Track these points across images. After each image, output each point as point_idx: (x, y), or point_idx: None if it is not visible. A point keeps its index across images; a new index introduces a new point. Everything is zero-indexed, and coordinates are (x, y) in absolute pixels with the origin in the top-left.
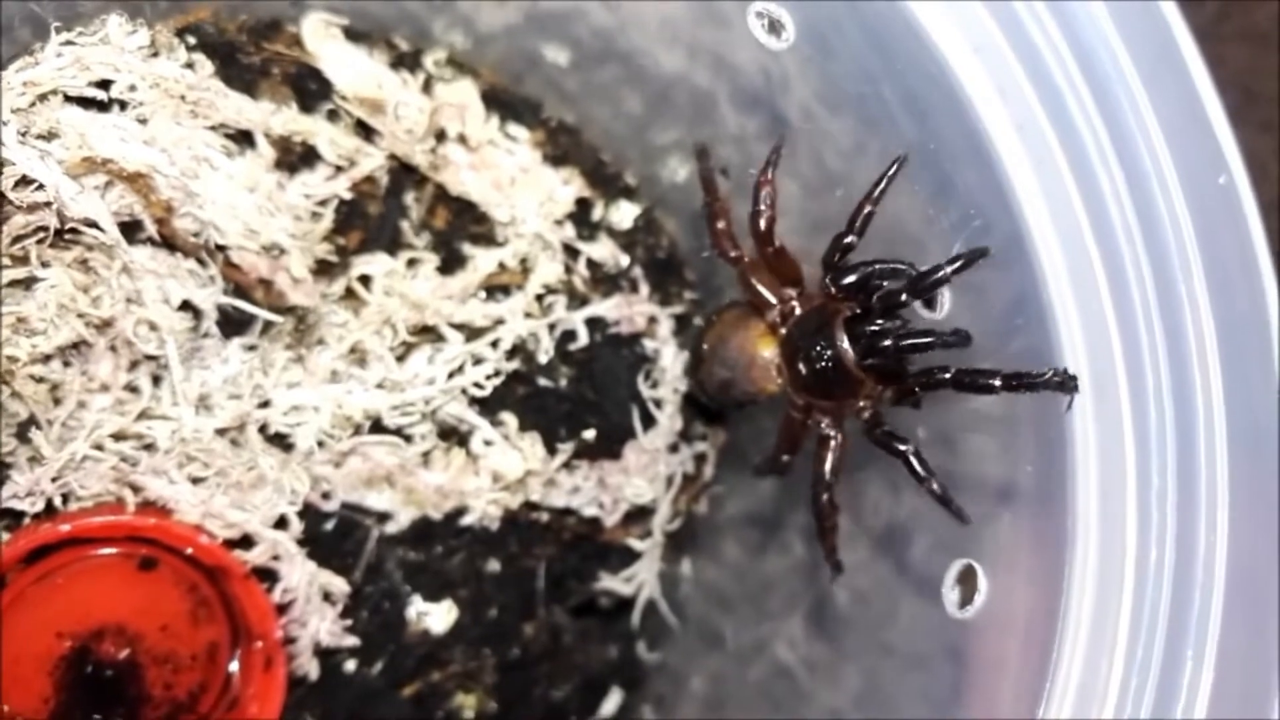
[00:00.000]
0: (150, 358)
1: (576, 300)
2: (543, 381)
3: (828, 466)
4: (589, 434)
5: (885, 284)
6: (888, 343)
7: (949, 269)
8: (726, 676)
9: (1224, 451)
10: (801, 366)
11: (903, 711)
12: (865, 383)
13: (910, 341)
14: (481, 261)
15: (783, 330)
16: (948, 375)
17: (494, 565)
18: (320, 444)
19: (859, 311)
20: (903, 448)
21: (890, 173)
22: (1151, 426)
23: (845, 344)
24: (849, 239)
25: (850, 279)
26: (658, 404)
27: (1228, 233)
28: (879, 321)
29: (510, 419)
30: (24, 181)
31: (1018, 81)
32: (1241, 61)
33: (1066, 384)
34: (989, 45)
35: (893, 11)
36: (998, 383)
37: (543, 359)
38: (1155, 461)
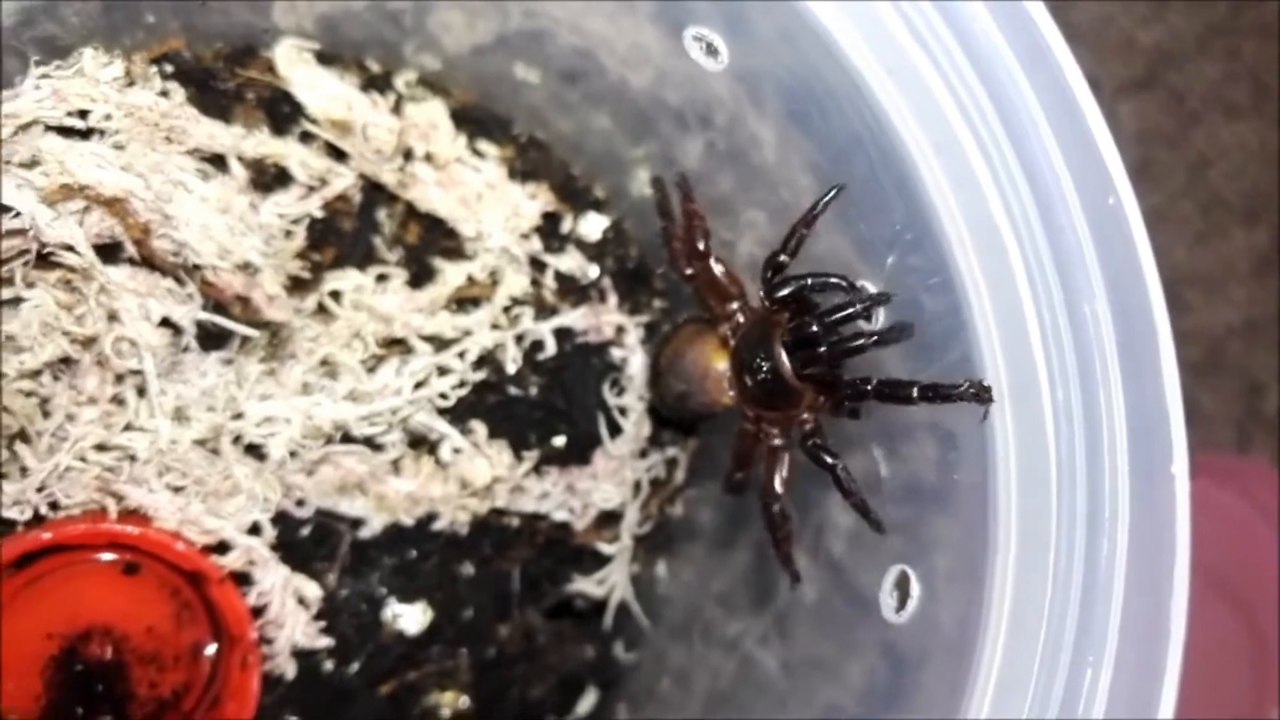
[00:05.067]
0: (135, 372)
1: (546, 311)
2: (513, 390)
3: (777, 478)
4: (559, 441)
5: (819, 297)
6: (822, 351)
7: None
8: (700, 675)
9: (1125, 466)
10: (747, 379)
11: (850, 712)
12: (805, 394)
13: (845, 346)
14: (450, 275)
15: (733, 343)
16: (869, 386)
17: (468, 569)
18: (293, 453)
19: (796, 324)
20: (831, 461)
21: (825, 199)
22: (1063, 439)
23: (783, 356)
24: (782, 258)
25: (785, 292)
26: (623, 411)
27: (1118, 249)
28: (814, 333)
29: (480, 427)
30: (2, 209)
31: (937, 105)
32: (1256, 55)
33: (981, 395)
34: (904, 68)
35: (815, 40)
36: (915, 393)
37: (511, 368)
38: (1066, 473)
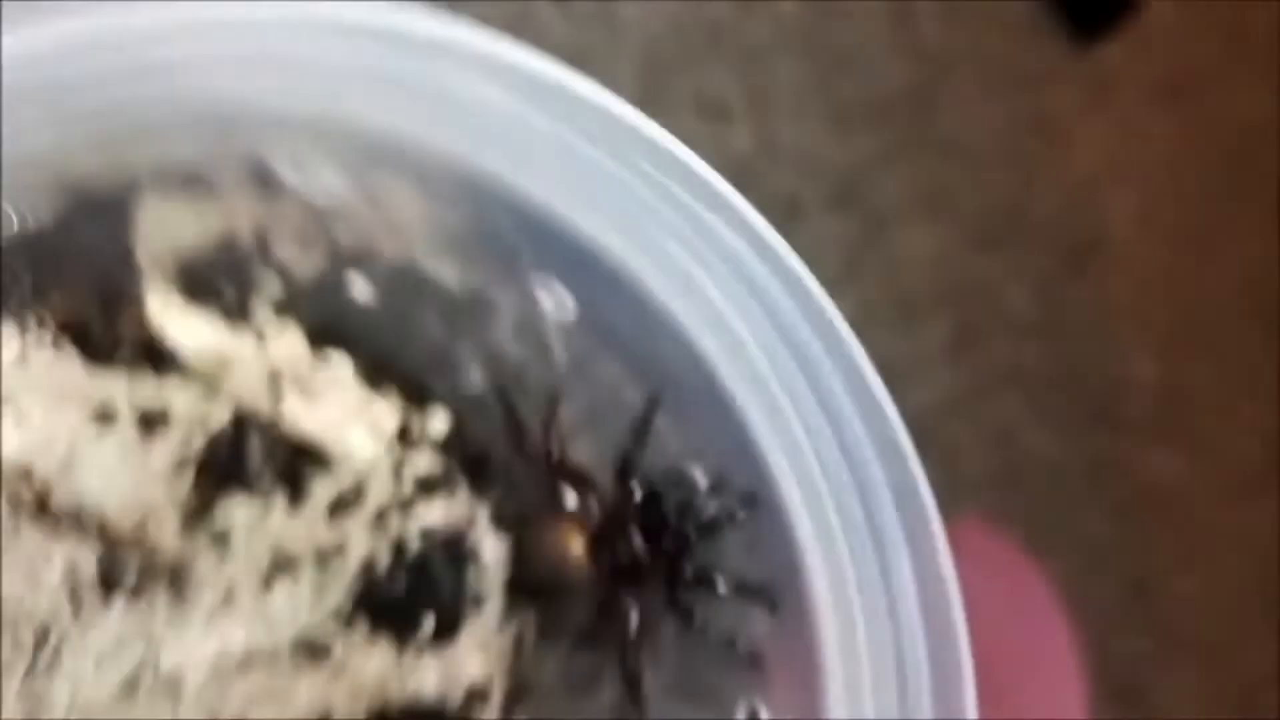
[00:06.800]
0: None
1: (408, 511)
2: (386, 587)
3: (634, 640)
4: (428, 626)
5: (669, 492)
6: (670, 541)
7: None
8: None
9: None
10: (603, 562)
11: None
12: (657, 571)
13: (698, 526)
14: (321, 492)
15: (588, 529)
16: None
17: None
18: (205, 682)
19: (647, 512)
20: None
21: (646, 415)
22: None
23: (638, 540)
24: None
25: (634, 482)
26: (481, 592)
27: None
28: (665, 522)
29: (361, 625)
30: None
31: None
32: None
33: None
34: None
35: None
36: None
37: (383, 568)
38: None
